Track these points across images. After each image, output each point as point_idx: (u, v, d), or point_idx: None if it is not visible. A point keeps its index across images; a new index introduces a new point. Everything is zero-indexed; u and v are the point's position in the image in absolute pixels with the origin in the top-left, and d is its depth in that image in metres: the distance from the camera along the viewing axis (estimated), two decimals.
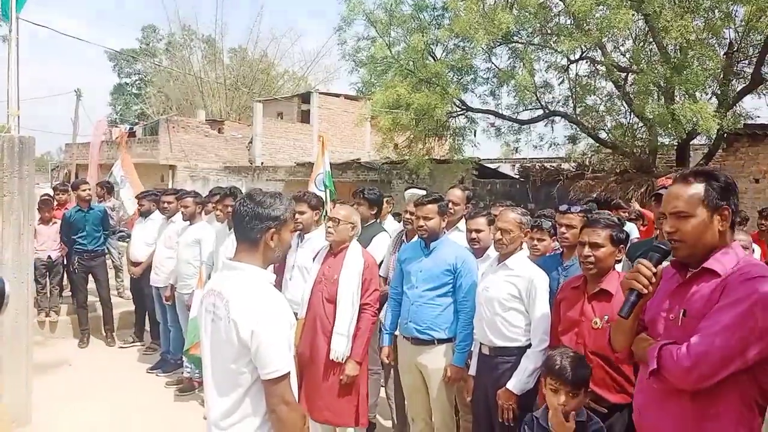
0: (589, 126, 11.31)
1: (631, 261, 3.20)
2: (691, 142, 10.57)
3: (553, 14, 10.71)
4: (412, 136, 12.77)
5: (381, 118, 12.12)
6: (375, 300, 3.81)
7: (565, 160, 13.35)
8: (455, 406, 3.82)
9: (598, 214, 3.04)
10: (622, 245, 2.89)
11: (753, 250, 3.94)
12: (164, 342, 6.33)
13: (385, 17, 11.89)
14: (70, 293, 7.78)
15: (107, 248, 7.67)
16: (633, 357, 2.14)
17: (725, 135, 9.45)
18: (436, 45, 12.15)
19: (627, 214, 7.13)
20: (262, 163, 21.37)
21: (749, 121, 9.94)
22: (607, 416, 2.67)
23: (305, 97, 25.02)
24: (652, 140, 10.12)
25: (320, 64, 41.24)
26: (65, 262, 7.41)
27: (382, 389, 4.68)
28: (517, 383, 3.09)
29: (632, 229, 5.79)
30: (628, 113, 11.17)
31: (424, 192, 4.26)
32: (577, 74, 11.55)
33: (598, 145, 11.85)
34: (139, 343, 7.05)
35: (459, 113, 12.46)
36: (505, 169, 15.51)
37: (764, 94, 10.15)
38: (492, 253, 3.63)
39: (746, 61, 10.02)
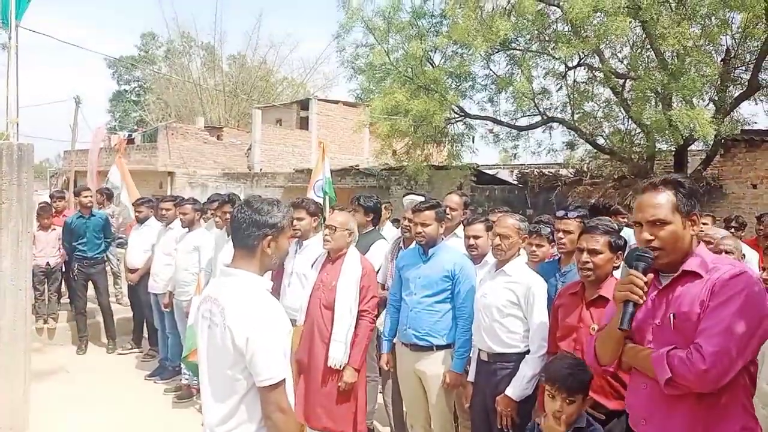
0: (587, 132, 11.34)
1: (629, 267, 3.21)
2: (688, 148, 10.59)
3: (550, 21, 10.75)
4: (410, 142, 12.79)
5: (379, 124, 12.15)
6: (373, 307, 3.82)
7: (563, 166, 13.37)
8: (454, 413, 3.82)
9: (598, 220, 3.04)
10: (620, 251, 2.90)
11: (744, 255, 3.92)
12: (162, 349, 6.32)
13: (383, 24, 11.94)
14: (68, 300, 7.78)
15: (106, 255, 7.66)
16: (620, 368, 2.15)
17: (723, 141, 9.48)
18: (435, 52, 12.19)
19: (626, 220, 7.14)
20: (260, 169, 21.38)
21: (746, 127, 9.98)
22: (605, 422, 2.67)
23: (304, 104, 25.06)
24: (649, 146, 10.13)
25: (319, 71, 41.44)
26: (63, 269, 7.40)
27: (380, 396, 4.67)
28: (515, 389, 3.09)
29: (630, 235, 5.79)
30: (625, 119, 11.20)
31: (422, 198, 4.27)
32: (574, 81, 11.59)
33: (596, 151, 11.88)
34: (137, 350, 7.03)
35: (457, 119, 12.49)
36: (504, 175, 15.52)
37: (761, 101, 10.20)
38: (490, 259, 3.63)
39: (743, 68, 10.06)
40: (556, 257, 3.66)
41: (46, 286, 7.12)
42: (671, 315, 1.95)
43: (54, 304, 7.28)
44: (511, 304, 3.23)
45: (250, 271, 2.07)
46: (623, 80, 10.72)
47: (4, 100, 4.66)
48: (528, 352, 3.18)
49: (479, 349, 3.38)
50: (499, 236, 3.31)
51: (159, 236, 6.34)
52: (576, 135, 11.60)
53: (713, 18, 9.20)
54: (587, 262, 2.82)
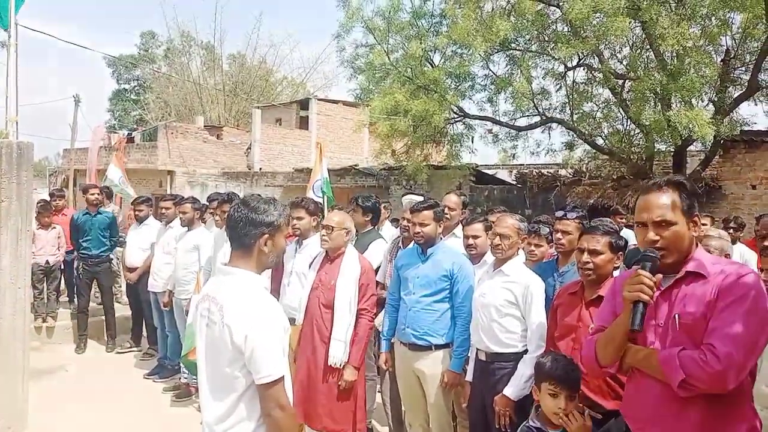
0: (586, 132, 11.33)
1: (628, 267, 3.21)
2: (687, 149, 10.59)
3: (550, 21, 10.74)
4: (410, 142, 12.78)
5: (379, 124, 12.14)
6: (372, 305, 3.83)
7: (562, 166, 13.38)
8: (452, 412, 3.82)
9: (599, 221, 3.05)
10: (620, 252, 2.90)
11: (728, 256, 3.89)
12: (161, 347, 6.32)
13: (383, 24, 11.94)
14: (67, 299, 7.79)
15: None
16: (620, 370, 2.13)
17: (722, 141, 9.48)
18: (434, 52, 12.19)
19: (624, 221, 7.15)
20: (260, 169, 21.37)
21: (746, 128, 9.98)
22: (602, 422, 2.67)
23: (304, 104, 25.04)
24: (648, 147, 10.12)
25: (319, 70, 41.38)
26: (63, 267, 7.41)
27: (379, 395, 4.68)
28: (514, 389, 3.10)
29: (630, 236, 5.80)
30: (624, 120, 11.19)
31: (421, 198, 4.27)
32: (574, 81, 11.57)
33: (594, 151, 11.87)
34: (136, 349, 7.04)
35: (457, 120, 12.48)
36: (503, 175, 15.52)
37: (761, 101, 10.18)
38: (489, 258, 3.64)
39: (743, 68, 10.05)
40: (555, 257, 3.67)
41: (45, 284, 7.13)
42: (676, 316, 1.95)
43: (53, 302, 7.29)
44: (509, 304, 3.24)
45: (248, 269, 2.07)
46: (622, 81, 10.72)
47: (3, 98, 4.67)
48: (526, 351, 3.19)
49: (477, 349, 3.39)
50: (499, 236, 3.32)
51: (159, 235, 6.35)
52: (575, 135, 11.59)
53: (713, 18, 9.20)
54: (588, 263, 2.83)
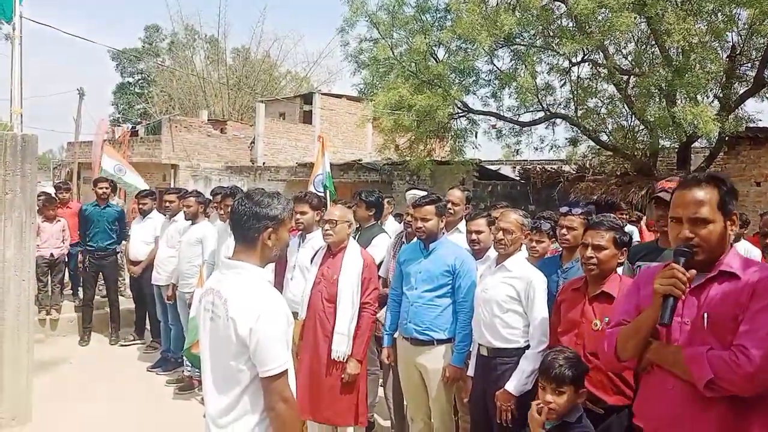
0: (590, 128, 11.30)
1: (632, 264, 3.21)
2: (692, 145, 10.56)
3: (555, 16, 10.70)
4: (413, 137, 12.76)
5: (383, 119, 12.11)
6: (374, 299, 3.84)
7: (565, 162, 13.35)
8: (454, 407, 3.83)
9: (603, 216, 3.04)
10: (624, 248, 2.90)
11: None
12: (165, 340, 6.35)
13: (387, 19, 11.90)
14: (71, 291, 7.81)
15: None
16: (638, 365, 2.07)
17: (727, 138, 9.44)
18: (439, 47, 12.15)
19: (626, 217, 7.13)
20: (264, 163, 21.37)
21: (751, 125, 9.93)
22: (604, 417, 2.68)
23: (307, 98, 25.01)
24: (653, 143, 10.10)
25: (323, 65, 41.34)
26: (66, 260, 7.44)
27: (381, 389, 4.69)
28: (515, 385, 3.10)
29: (634, 232, 5.79)
30: (629, 116, 11.17)
31: (424, 193, 4.27)
32: (578, 77, 11.54)
33: (598, 147, 11.85)
34: (139, 342, 7.07)
35: (460, 115, 12.45)
36: (506, 170, 15.49)
37: (767, 98, 10.14)
38: (492, 254, 3.63)
39: (749, 65, 10.01)
40: (559, 252, 3.66)
41: (49, 277, 7.15)
42: (704, 314, 1.89)
43: (57, 295, 7.32)
44: (511, 299, 3.24)
45: (252, 263, 2.08)
46: (627, 76, 10.68)
47: (8, 91, 4.67)
48: (528, 347, 3.19)
49: (479, 344, 3.39)
50: (503, 231, 3.32)
51: (163, 228, 6.36)
52: (579, 131, 11.57)
53: (719, 14, 9.15)
54: (591, 258, 2.82)
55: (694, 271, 1.89)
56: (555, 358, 2.57)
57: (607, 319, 2.73)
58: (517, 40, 11.10)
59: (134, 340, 7.09)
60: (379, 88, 12.17)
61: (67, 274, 7.73)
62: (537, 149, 12.39)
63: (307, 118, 24.64)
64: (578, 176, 12.19)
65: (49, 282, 7.17)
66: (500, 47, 11.31)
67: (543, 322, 3.14)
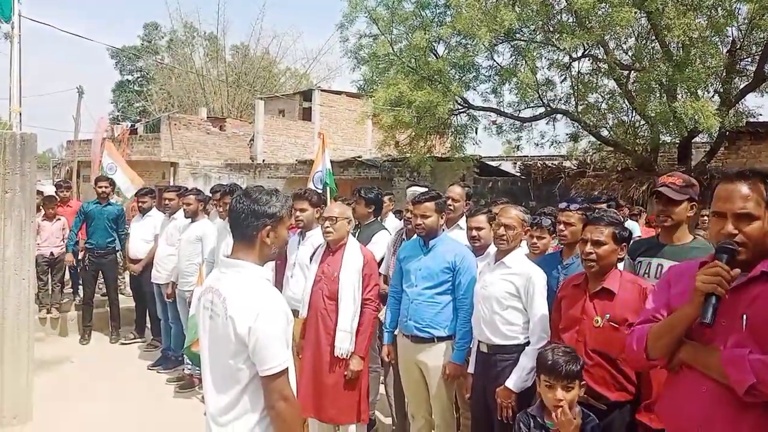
0: (591, 124, 11.28)
1: (633, 259, 3.20)
2: (693, 140, 10.54)
3: (555, 11, 10.67)
4: (413, 133, 12.74)
5: (383, 115, 12.10)
6: (375, 295, 3.84)
7: (566, 158, 13.32)
8: (455, 404, 3.83)
9: (603, 212, 3.03)
10: (624, 243, 2.88)
11: None
12: (165, 339, 6.35)
13: (387, 14, 11.87)
14: (71, 290, 7.81)
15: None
16: (668, 364, 1.98)
17: (727, 133, 9.43)
18: (438, 42, 12.12)
19: (629, 211, 7.13)
20: (263, 160, 21.36)
21: (752, 119, 9.92)
22: (607, 413, 2.67)
23: (307, 95, 24.97)
24: (653, 138, 10.08)
25: (322, 61, 41.31)
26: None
27: (382, 386, 4.69)
28: (516, 381, 3.09)
29: (634, 227, 5.79)
30: (629, 111, 11.14)
31: (425, 190, 4.26)
32: (579, 72, 11.50)
33: (599, 143, 11.83)
34: (139, 340, 7.07)
35: (461, 111, 12.43)
36: (507, 166, 15.47)
37: (767, 92, 10.12)
38: (492, 251, 3.62)
39: (749, 59, 9.98)
40: (560, 248, 3.65)
41: (49, 276, 7.15)
42: (744, 316, 1.82)
43: (57, 294, 7.32)
44: (510, 296, 3.23)
45: (251, 261, 2.07)
46: (628, 72, 10.66)
47: (7, 90, 4.66)
48: (528, 343, 3.18)
49: (479, 341, 3.38)
50: (504, 226, 3.31)
51: (162, 226, 6.35)
52: (580, 127, 11.55)
53: (719, 9, 9.12)
54: (591, 254, 2.80)
55: (738, 271, 1.81)
56: (558, 356, 2.55)
57: (608, 315, 2.73)
58: (517, 35, 11.08)
59: (135, 338, 7.09)
60: (379, 84, 12.15)
61: (67, 272, 7.72)
62: (537, 145, 12.39)
63: (306, 115, 24.61)
64: (579, 172, 12.17)
65: (50, 281, 7.17)
66: (500, 43, 11.30)
67: (543, 319, 3.13)
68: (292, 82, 34.75)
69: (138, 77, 40.71)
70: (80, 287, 7.55)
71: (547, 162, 13.83)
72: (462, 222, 4.33)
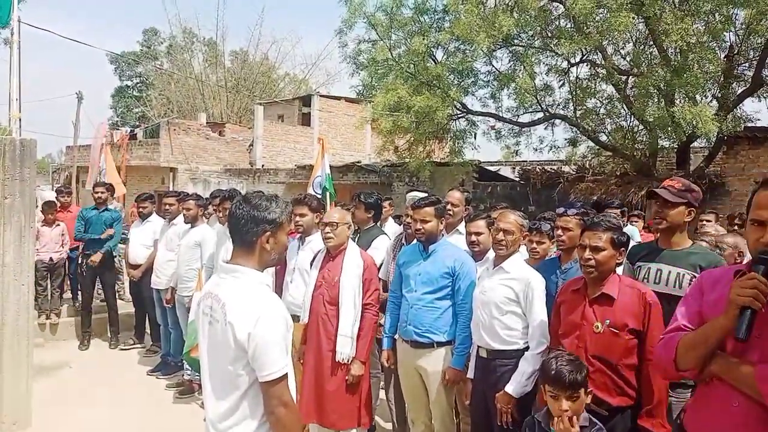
0: (590, 129, 11.30)
1: (632, 264, 3.20)
2: (691, 145, 10.56)
3: (553, 17, 10.71)
4: (412, 138, 12.75)
5: (382, 120, 12.11)
6: (376, 300, 3.84)
7: (565, 162, 13.34)
8: (455, 409, 3.83)
9: (603, 216, 3.03)
10: (623, 248, 2.88)
11: (741, 253, 3.86)
12: (164, 344, 6.33)
13: (385, 20, 11.89)
14: (71, 296, 7.80)
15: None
16: (699, 375, 1.91)
17: (725, 138, 9.45)
18: (437, 48, 12.15)
19: (628, 215, 7.12)
20: (262, 165, 21.37)
21: (749, 124, 9.94)
22: (608, 419, 2.67)
23: (306, 100, 25.02)
24: (652, 143, 10.11)
25: (321, 67, 41.37)
26: (66, 264, 7.42)
27: (382, 392, 4.68)
28: (515, 386, 3.09)
29: (633, 232, 5.78)
30: (628, 116, 11.17)
31: (424, 195, 4.26)
32: (577, 77, 11.53)
33: (598, 148, 11.84)
34: (139, 346, 7.05)
35: (459, 116, 12.45)
36: (506, 171, 15.50)
37: (765, 97, 10.14)
38: (492, 256, 3.63)
39: (746, 64, 10.01)
40: (559, 254, 3.65)
41: (48, 281, 7.14)
42: None
43: (56, 299, 7.31)
44: (509, 301, 3.23)
45: (250, 267, 2.07)
46: (626, 77, 10.69)
47: (6, 95, 4.68)
48: (527, 348, 3.18)
49: (478, 346, 3.38)
50: (502, 231, 3.31)
51: (162, 232, 6.35)
52: (578, 132, 11.56)
53: (717, 14, 9.16)
54: (590, 259, 2.79)
55: None
56: (562, 365, 2.51)
57: (608, 321, 2.73)
58: (516, 41, 11.11)
59: (134, 344, 7.08)
60: (378, 89, 12.16)
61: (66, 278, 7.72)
62: (536, 150, 12.40)
63: (305, 120, 24.65)
64: (578, 177, 12.17)
65: (49, 286, 7.16)
66: (499, 48, 11.32)
67: (542, 324, 3.13)
68: (291, 87, 34.82)
69: (137, 83, 40.76)
70: (80, 293, 7.53)
71: (545, 167, 13.85)
72: (461, 227, 4.33)
